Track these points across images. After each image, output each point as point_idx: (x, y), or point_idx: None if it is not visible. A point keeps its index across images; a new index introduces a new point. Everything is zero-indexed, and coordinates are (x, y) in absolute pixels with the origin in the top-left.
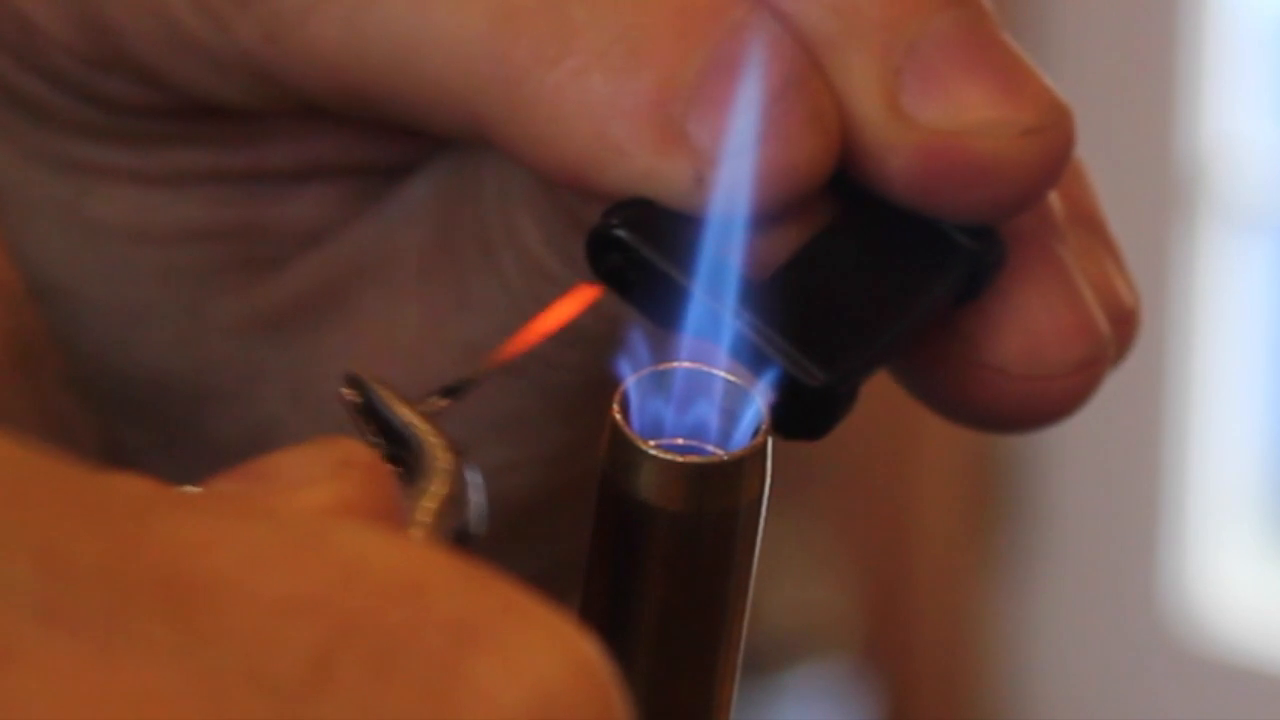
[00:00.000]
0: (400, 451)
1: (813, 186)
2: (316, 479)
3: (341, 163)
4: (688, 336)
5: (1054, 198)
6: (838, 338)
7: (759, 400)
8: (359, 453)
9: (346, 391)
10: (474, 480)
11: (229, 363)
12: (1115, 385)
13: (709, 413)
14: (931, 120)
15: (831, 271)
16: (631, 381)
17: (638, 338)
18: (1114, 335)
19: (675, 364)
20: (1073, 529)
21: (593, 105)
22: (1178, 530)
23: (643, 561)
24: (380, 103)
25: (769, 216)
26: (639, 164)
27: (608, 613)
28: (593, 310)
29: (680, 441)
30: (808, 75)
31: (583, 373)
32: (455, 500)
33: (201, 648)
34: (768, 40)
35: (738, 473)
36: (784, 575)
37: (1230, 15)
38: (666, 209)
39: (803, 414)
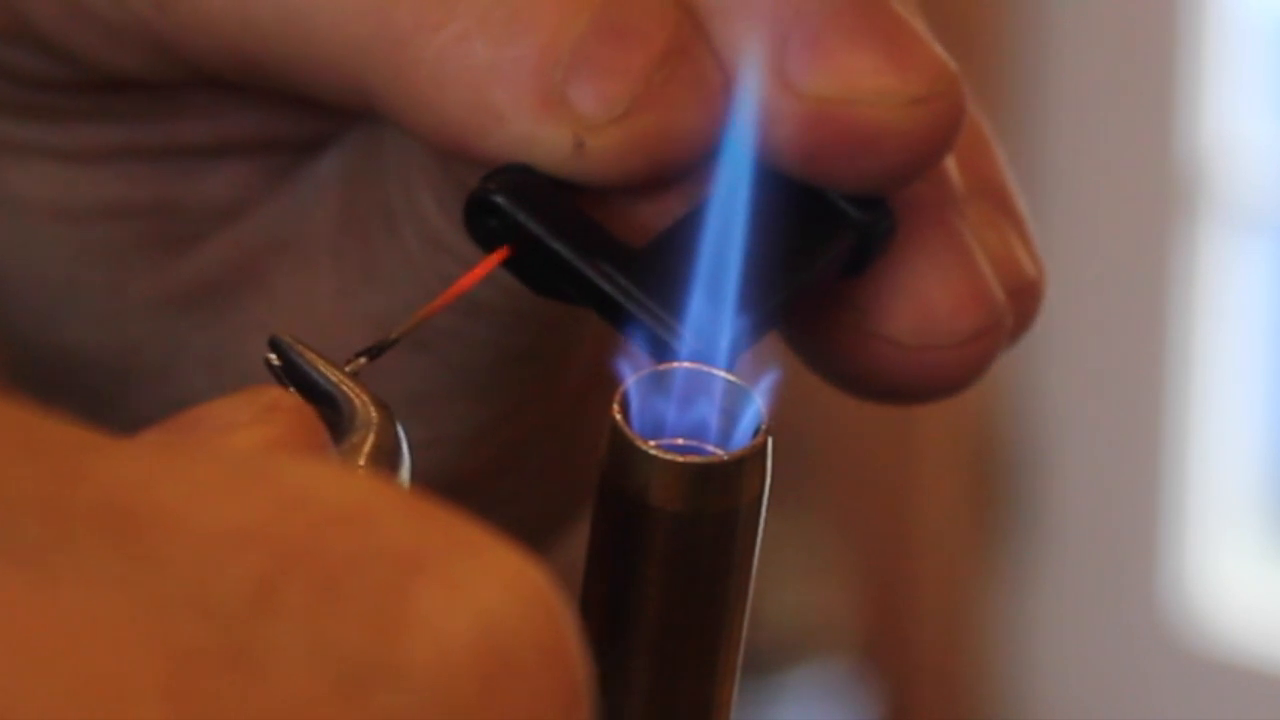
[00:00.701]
0: (326, 412)
1: (695, 155)
2: (244, 423)
3: (253, 138)
4: (574, 305)
5: (953, 168)
6: (714, 305)
7: (759, 400)
8: (285, 398)
9: (269, 355)
10: (402, 434)
11: (150, 339)
12: (1115, 385)
13: (709, 413)
14: (818, 89)
15: (712, 240)
16: (631, 382)
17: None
18: (1014, 306)
19: (675, 364)
20: (1073, 529)
21: (474, 71)
22: (1178, 530)
23: (643, 561)
24: (270, 71)
25: (650, 184)
26: (519, 129)
27: (608, 613)
28: (492, 284)
29: (680, 442)
30: (691, 42)
31: (489, 348)
32: (386, 451)
33: (145, 575)
34: (650, 7)
35: (738, 473)
36: (784, 575)
37: (1230, 15)
38: (545, 175)
39: None
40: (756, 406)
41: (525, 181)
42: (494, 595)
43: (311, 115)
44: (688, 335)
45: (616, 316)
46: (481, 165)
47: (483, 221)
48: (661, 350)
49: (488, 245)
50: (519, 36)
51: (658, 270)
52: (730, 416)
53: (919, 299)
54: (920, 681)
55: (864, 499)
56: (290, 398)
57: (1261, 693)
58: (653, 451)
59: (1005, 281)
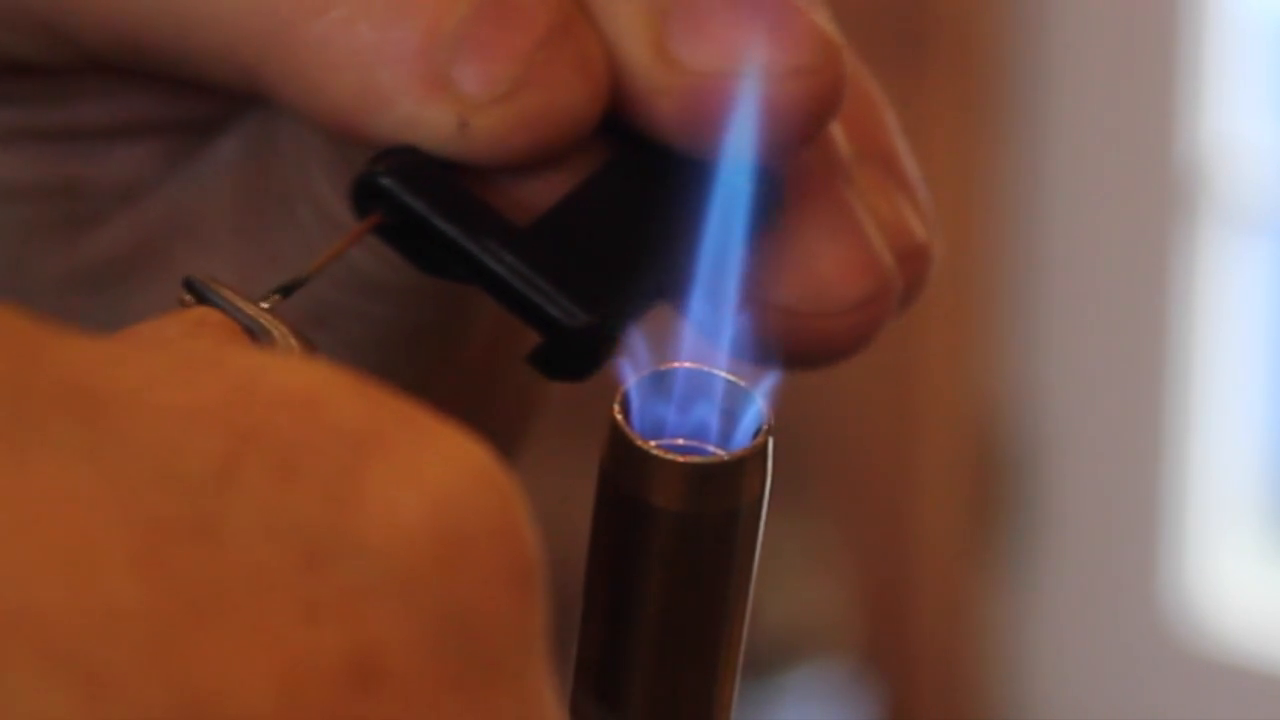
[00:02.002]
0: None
1: (579, 132)
2: (174, 338)
3: (150, 121)
4: (471, 286)
5: (840, 135)
6: (601, 280)
7: (760, 401)
8: (211, 314)
9: (184, 296)
10: None
11: (54, 318)
12: (1115, 385)
13: (710, 413)
14: (698, 63)
15: (598, 216)
16: (632, 382)
17: (637, 339)
18: (905, 271)
19: (676, 365)
20: (1073, 529)
21: (359, 53)
22: (1178, 530)
23: (643, 562)
24: (158, 57)
25: (535, 162)
26: (404, 111)
27: (608, 613)
28: (386, 262)
29: (681, 442)
30: (574, 21)
31: (388, 325)
32: None
33: (111, 451)
34: None
35: (738, 473)
36: (784, 576)
37: (1230, 15)
38: (431, 156)
39: (566, 356)
40: (758, 407)
41: (411, 163)
42: (445, 475)
43: (207, 98)
44: (574, 310)
45: (504, 294)
46: (370, 147)
47: (369, 203)
48: (548, 327)
49: (375, 227)
50: (403, 19)
51: (544, 247)
52: (731, 417)
53: (807, 267)
54: (920, 682)
55: (864, 500)
56: (216, 314)
57: (1261, 693)
58: (653, 452)
59: (895, 246)
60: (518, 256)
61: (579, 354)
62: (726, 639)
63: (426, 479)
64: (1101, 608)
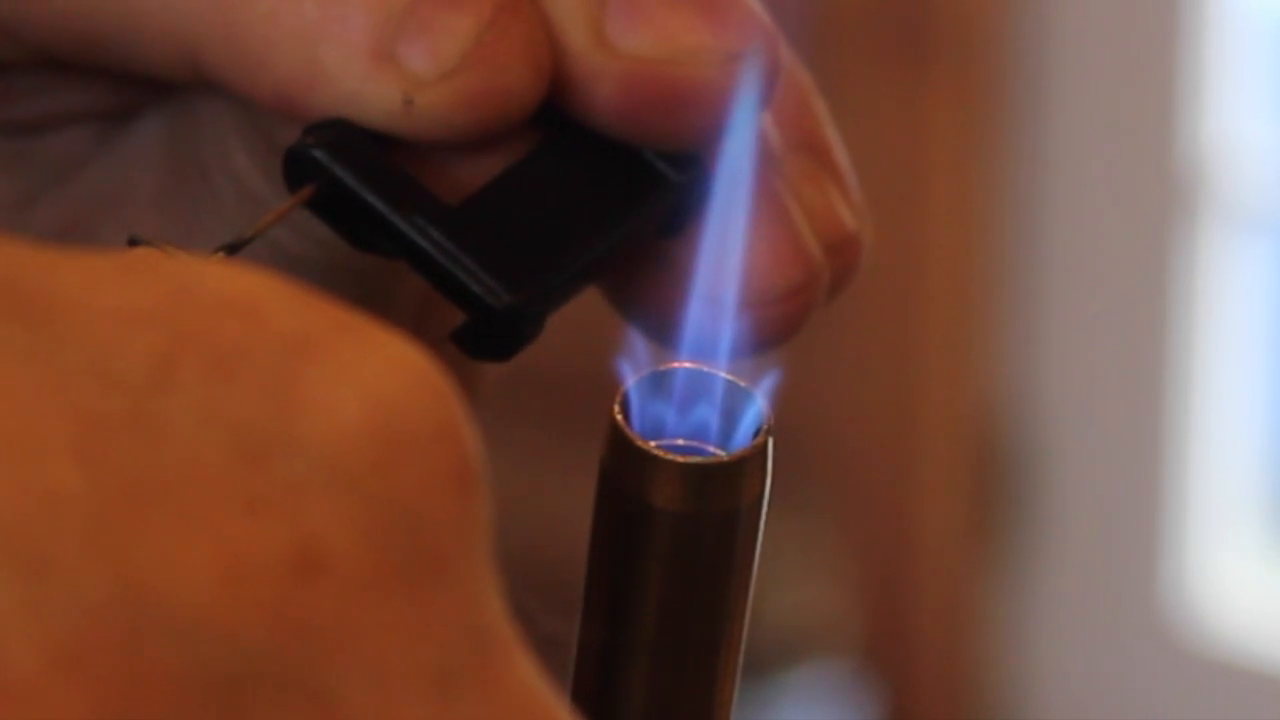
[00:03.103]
0: None
1: (521, 113)
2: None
3: (82, 111)
4: (395, 260)
5: (770, 124)
6: (528, 261)
7: (761, 401)
8: (152, 253)
9: None
10: None
11: None
12: (1115, 385)
13: (710, 414)
14: (636, 49)
15: (530, 197)
16: (632, 383)
17: (638, 339)
18: (834, 261)
19: (676, 365)
20: (1073, 529)
21: (304, 29)
22: (1178, 530)
23: (643, 562)
24: (104, 46)
25: (473, 141)
26: (348, 86)
27: (608, 613)
28: (308, 239)
29: (681, 442)
30: (519, 4)
31: None
32: None
33: (50, 350)
34: None
35: (738, 473)
36: (784, 576)
37: (1230, 15)
38: (364, 130)
39: (490, 336)
40: (758, 407)
41: (344, 136)
42: (381, 376)
43: (140, 86)
44: (498, 289)
45: (430, 271)
46: (308, 123)
47: (301, 175)
48: (472, 305)
49: (306, 200)
50: None
51: (472, 226)
52: (731, 417)
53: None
54: (920, 682)
55: (864, 500)
56: (156, 253)
57: (1262, 693)
58: (654, 452)
59: (824, 236)
60: (445, 234)
61: (502, 334)
62: (726, 639)
63: (365, 381)
64: (1102, 607)
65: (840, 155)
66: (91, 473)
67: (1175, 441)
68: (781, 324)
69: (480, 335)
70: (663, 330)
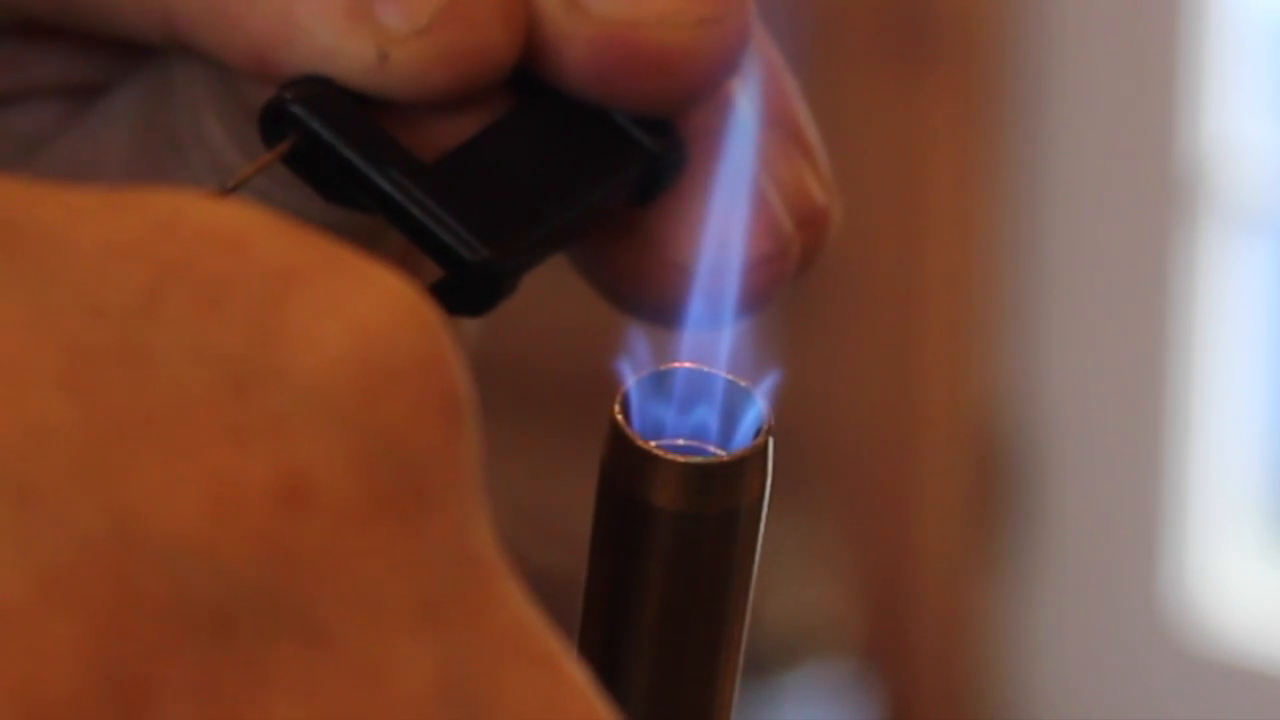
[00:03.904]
0: None
1: (497, 72)
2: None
3: (55, 83)
4: (377, 217)
5: (742, 97)
6: (504, 220)
7: (761, 401)
8: (139, 189)
9: None
10: None
11: None
12: (1116, 385)
13: (710, 414)
14: (607, 12)
15: (505, 159)
16: (633, 382)
17: (638, 338)
18: (803, 235)
19: (676, 365)
20: (1073, 530)
21: None
22: (1179, 530)
23: (643, 562)
24: (79, 8)
25: (449, 99)
26: (323, 41)
27: (608, 613)
28: (285, 186)
29: (681, 442)
30: None
31: None
32: None
33: (37, 282)
34: None
35: (739, 473)
36: (784, 576)
37: (1231, 16)
38: (341, 87)
39: (465, 291)
40: (758, 407)
41: (322, 92)
42: (370, 308)
43: (111, 59)
44: (475, 244)
45: (407, 225)
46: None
47: (278, 130)
48: (449, 259)
49: (283, 155)
50: None
51: (449, 183)
52: (731, 417)
53: (700, 225)
54: (921, 682)
55: (865, 500)
56: None
57: (1262, 693)
58: (654, 452)
59: (794, 210)
60: (422, 189)
61: (478, 289)
62: (727, 639)
63: (351, 312)
64: (1102, 607)
65: (810, 130)
66: (80, 403)
67: (1175, 441)
68: (753, 292)
69: (456, 290)
70: (631, 297)
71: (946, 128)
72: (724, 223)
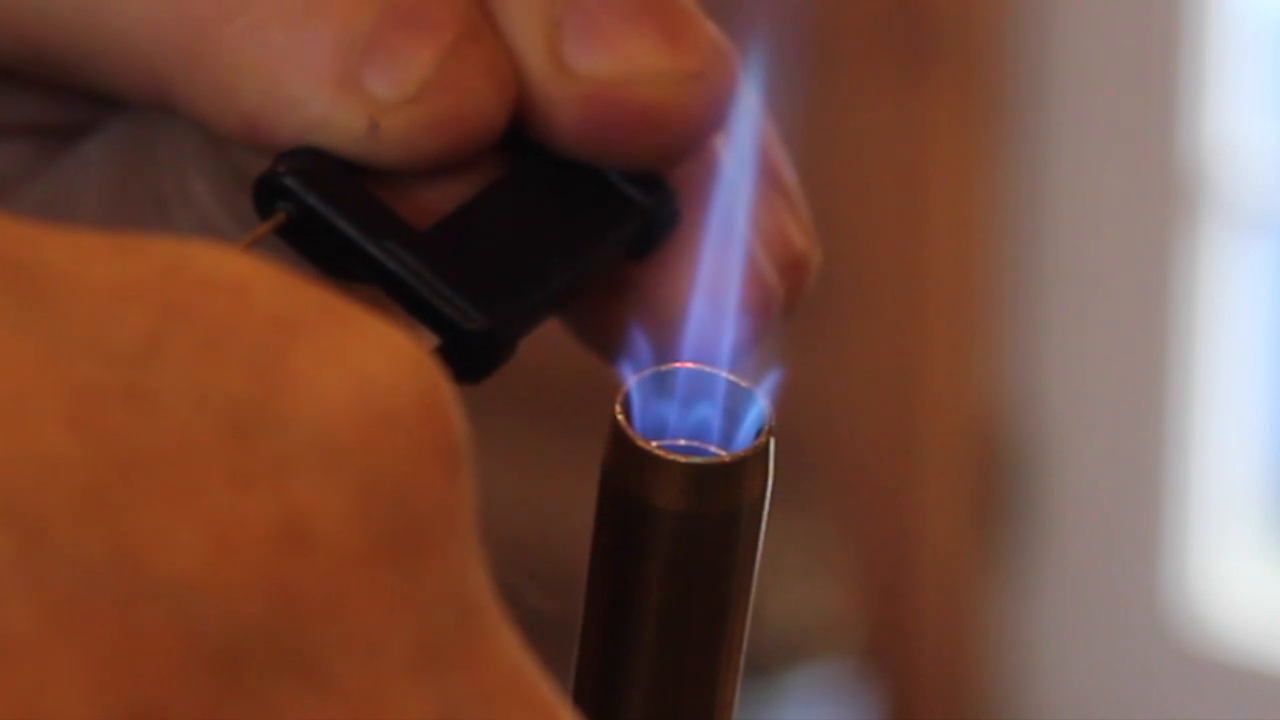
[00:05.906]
0: None
1: (487, 137)
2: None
3: (26, 124)
4: (365, 285)
5: (723, 147)
6: (500, 285)
7: (762, 401)
8: (143, 234)
9: None
10: None
11: None
12: (1116, 386)
13: (711, 414)
14: (593, 71)
15: (499, 223)
16: (633, 382)
17: (638, 338)
18: (786, 281)
19: (677, 365)
20: (1074, 530)
21: (270, 57)
22: (1179, 531)
23: (644, 562)
24: (69, 64)
25: (440, 166)
26: (314, 112)
27: (609, 613)
28: (285, 259)
29: (682, 442)
30: (481, 29)
31: None
32: None
33: (43, 322)
34: None
35: (740, 473)
36: (785, 576)
37: (1231, 16)
38: (334, 157)
39: (462, 358)
40: (759, 407)
41: (315, 164)
42: (367, 356)
43: (82, 103)
44: (471, 313)
45: (402, 295)
46: (273, 152)
47: (272, 203)
48: (445, 328)
49: (277, 228)
50: (315, 22)
51: (443, 250)
52: (733, 417)
53: (695, 278)
54: (922, 682)
55: (865, 500)
56: None
57: (1262, 693)
58: (655, 452)
59: (776, 257)
60: (417, 258)
61: (474, 356)
62: (727, 639)
63: (351, 361)
64: (1103, 608)
65: (789, 175)
66: (85, 441)
67: (1176, 442)
68: (738, 343)
69: (452, 358)
70: (621, 353)
71: (947, 127)
72: (714, 275)
